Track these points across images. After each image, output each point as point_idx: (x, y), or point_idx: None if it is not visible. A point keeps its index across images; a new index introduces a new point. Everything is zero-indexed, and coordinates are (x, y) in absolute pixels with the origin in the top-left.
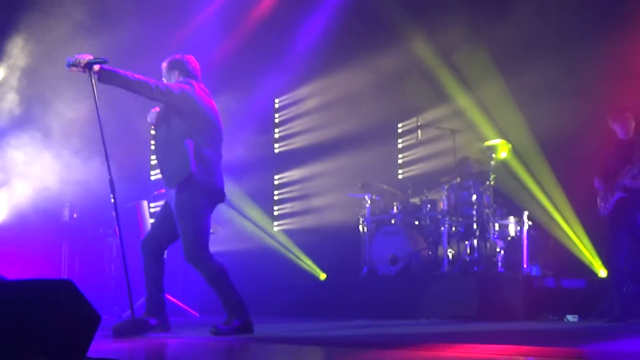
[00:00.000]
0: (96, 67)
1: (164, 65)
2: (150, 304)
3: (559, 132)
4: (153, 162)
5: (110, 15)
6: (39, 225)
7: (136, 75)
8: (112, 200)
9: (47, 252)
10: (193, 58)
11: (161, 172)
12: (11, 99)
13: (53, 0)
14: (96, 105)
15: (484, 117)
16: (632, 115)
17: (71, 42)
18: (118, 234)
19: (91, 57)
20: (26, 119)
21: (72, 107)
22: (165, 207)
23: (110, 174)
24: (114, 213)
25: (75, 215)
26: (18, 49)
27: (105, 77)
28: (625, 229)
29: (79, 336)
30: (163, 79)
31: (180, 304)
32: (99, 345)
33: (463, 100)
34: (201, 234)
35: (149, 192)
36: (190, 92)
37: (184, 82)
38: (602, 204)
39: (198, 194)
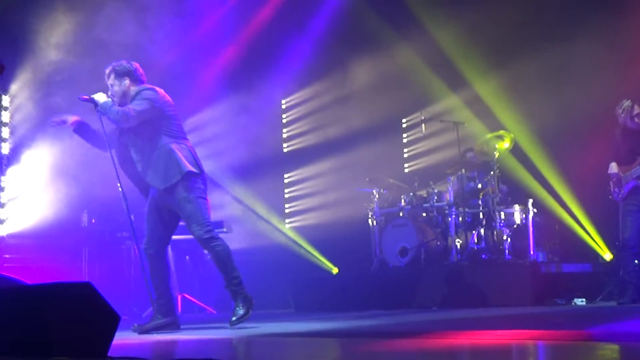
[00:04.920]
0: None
1: (110, 70)
2: (159, 304)
3: (560, 121)
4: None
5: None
6: (59, 232)
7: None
8: (125, 207)
9: (68, 257)
10: (138, 65)
11: (151, 176)
12: (29, 107)
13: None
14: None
15: (487, 108)
16: (638, 105)
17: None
18: (134, 239)
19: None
20: (46, 127)
21: (89, 113)
22: (155, 207)
23: (120, 186)
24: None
25: (93, 221)
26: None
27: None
28: (638, 214)
29: (100, 336)
30: (110, 84)
31: (198, 302)
32: (120, 344)
33: (465, 93)
34: (205, 213)
35: None
36: (158, 99)
37: (146, 90)
38: (616, 189)
39: (195, 182)
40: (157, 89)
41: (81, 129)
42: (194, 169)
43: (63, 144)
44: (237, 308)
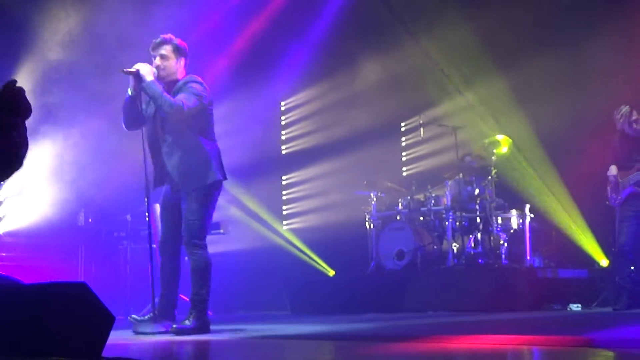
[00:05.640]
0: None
1: (167, 40)
2: (162, 304)
3: (558, 126)
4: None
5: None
6: (56, 231)
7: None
8: (146, 203)
9: (64, 256)
10: None
11: (183, 174)
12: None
13: None
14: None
15: (485, 113)
16: (636, 111)
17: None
18: (150, 236)
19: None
20: (41, 124)
21: (86, 112)
22: (169, 205)
23: (146, 178)
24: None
25: (90, 220)
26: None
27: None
28: (635, 220)
29: (94, 337)
30: (162, 54)
31: None
32: (115, 344)
33: (464, 98)
34: (208, 222)
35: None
36: (206, 97)
37: (196, 83)
38: (614, 195)
39: (217, 191)
40: (204, 83)
41: (135, 97)
42: (222, 178)
43: (61, 142)
44: (187, 320)
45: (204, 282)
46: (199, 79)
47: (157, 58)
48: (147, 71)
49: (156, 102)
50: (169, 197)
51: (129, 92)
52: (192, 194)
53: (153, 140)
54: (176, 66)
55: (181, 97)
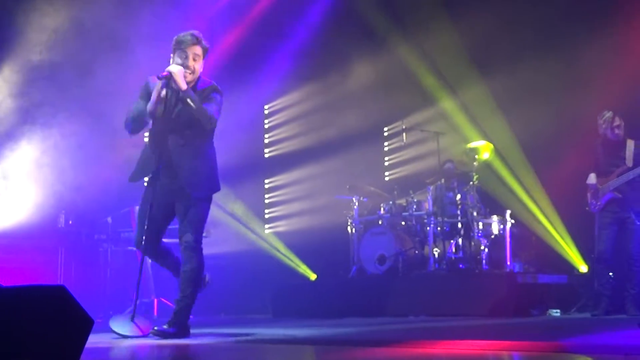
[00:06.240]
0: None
1: (199, 41)
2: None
3: (540, 132)
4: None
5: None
6: (36, 232)
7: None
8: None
9: (43, 258)
10: None
11: (189, 179)
12: (8, 105)
13: None
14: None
15: (467, 119)
16: (618, 117)
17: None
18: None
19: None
20: (23, 126)
21: (66, 113)
22: (163, 201)
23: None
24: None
25: (70, 222)
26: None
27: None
28: (615, 226)
29: (72, 341)
30: (195, 54)
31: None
32: (94, 348)
33: (446, 103)
34: (204, 227)
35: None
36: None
37: (219, 95)
38: (593, 201)
39: (213, 194)
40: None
41: (161, 100)
42: (220, 186)
43: (40, 144)
44: (168, 326)
45: (194, 287)
46: (219, 89)
47: (190, 58)
48: (181, 79)
49: (195, 112)
50: (166, 194)
51: (154, 96)
52: (199, 200)
53: (158, 136)
54: (201, 70)
55: (212, 109)
